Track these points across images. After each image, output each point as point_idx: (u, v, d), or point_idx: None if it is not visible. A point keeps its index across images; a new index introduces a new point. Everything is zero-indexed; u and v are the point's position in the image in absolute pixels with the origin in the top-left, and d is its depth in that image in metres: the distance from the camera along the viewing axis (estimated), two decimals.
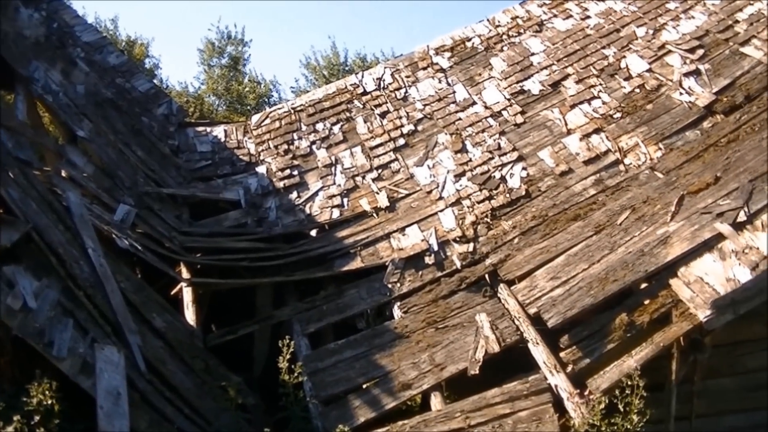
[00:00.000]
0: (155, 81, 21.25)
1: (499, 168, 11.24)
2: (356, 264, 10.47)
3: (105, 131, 11.90)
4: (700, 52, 12.15)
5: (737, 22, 12.59)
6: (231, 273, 10.50)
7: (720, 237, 8.63)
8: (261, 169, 12.64)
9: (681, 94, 11.45)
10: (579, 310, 8.55)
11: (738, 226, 8.63)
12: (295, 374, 8.22)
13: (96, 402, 6.65)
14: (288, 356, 8.20)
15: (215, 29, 28.83)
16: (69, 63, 12.84)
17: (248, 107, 26.87)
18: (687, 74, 11.78)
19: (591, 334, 8.44)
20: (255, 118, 14.22)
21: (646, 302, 8.47)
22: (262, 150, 13.14)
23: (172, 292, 10.20)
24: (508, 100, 12.59)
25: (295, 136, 13.31)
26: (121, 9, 44.58)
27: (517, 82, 12.94)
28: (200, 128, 14.20)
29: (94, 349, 7.13)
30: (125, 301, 8.31)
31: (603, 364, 8.19)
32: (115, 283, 8.31)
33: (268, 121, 13.87)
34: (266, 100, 28.27)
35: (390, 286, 10.03)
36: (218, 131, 13.90)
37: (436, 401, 8.55)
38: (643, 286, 8.69)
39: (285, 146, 13.09)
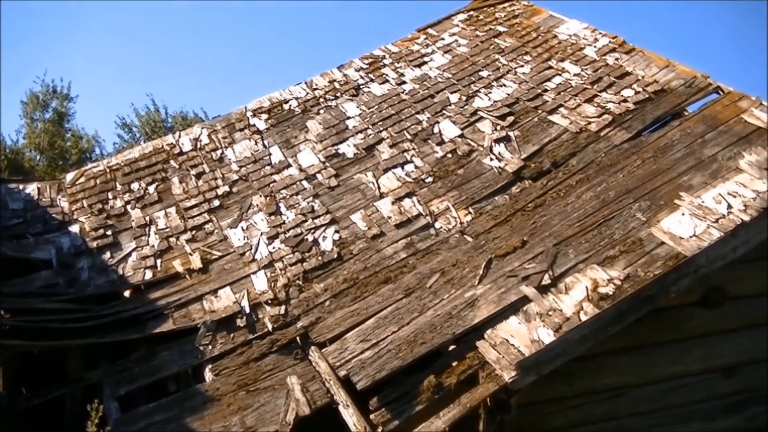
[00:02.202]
0: None
1: (312, 231, 11.17)
2: (168, 326, 10.15)
3: None
4: (511, 119, 12.50)
5: (546, 91, 13.04)
6: (41, 335, 10.02)
7: (525, 300, 8.82)
8: (74, 229, 12.20)
9: (491, 159, 11.70)
10: (388, 372, 8.50)
11: (542, 289, 8.85)
12: None
13: None
14: (97, 420, 7.91)
15: (40, 82, 27.94)
16: None
17: (70, 163, 26.08)
18: (497, 140, 12.06)
19: (400, 396, 8.35)
20: (69, 176, 13.76)
21: (454, 364, 8.48)
22: (76, 209, 12.71)
23: None
24: (323, 163, 12.59)
25: (110, 196, 12.94)
26: None
27: (333, 146, 12.97)
28: (12, 185, 13.64)
29: None
30: None
31: (412, 425, 8.11)
32: None
33: (83, 179, 13.46)
34: (89, 156, 27.51)
35: (202, 348, 9.75)
36: (31, 188, 13.38)
37: None
38: (451, 348, 8.71)
39: (99, 205, 12.69)
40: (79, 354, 10.10)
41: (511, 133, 12.14)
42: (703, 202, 9.47)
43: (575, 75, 13.34)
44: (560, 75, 13.48)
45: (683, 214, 9.37)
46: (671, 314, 9.59)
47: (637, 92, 12.35)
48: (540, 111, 12.57)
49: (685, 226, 9.18)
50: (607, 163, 10.97)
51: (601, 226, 9.69)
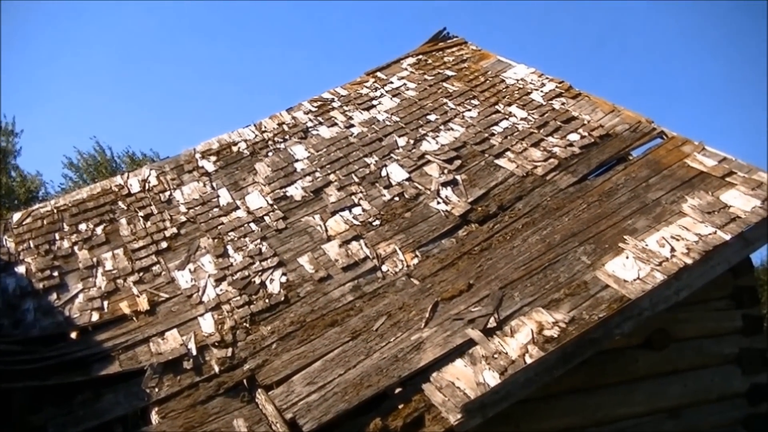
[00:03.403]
0: None
1: (260, 273, 11.14)
2: (114, 368, 10.01)
3: None
4: (458, 162, 12.60)
5: (493, 135, 13.18)
6: None
7: (471, 342, 8.84)
8: (20, 269, 12.06)
9: (438, 203, 11.77)
10: (334, 415, 8.46)
11: (488, 332, 8.89)
12: None
13: None
14: None
15: None
16: None
17: (17, 203, 25.85)
18: (444, 184, 12.14)
19: None
20: (16, 216, 13.64)
21: (400, 407, 8.45)
22: (23, 249, 12.58)
23: None
24: (271, 205, 12.59)
25: (57, 236, 12.84)
26: None
27: (281, 188, 12.99)
28: None
29: None
30: None
31: None
32: None
33: (29, 219, 13.34)
34: (36, 196, 27.28)
35: (148, 390, 9.63)
36: None
37: None
38: (398, 390, 8.68)
39: (46, 246, 12.58)
40: (24, 397, 9.95)
41: (458, 177, 12.23)
42: (647, 245, 9.60)
43: (522, 119, 13.49)
44: (507, 119, 13.63)
45: (627, 258, 9.49)
46: (616, 356, 9.71)
47: (582, 137, 12.52)
48: (487, 155, 12.69)
49: (629, 270, 9.29)
50: (553, 206, 11.09)
51: (547, 269, 9.77)
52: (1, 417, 9.75)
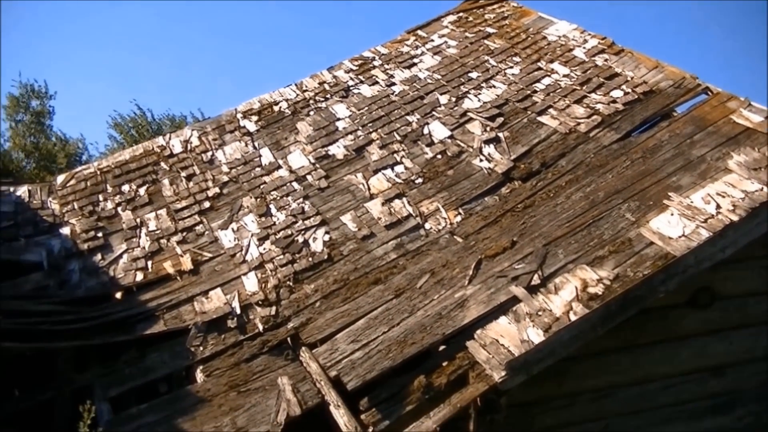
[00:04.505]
0: None
1: (303, 232, 11.18)
2: (159, 327, 10.12)
3: None
4: (500, 120, 12.53)
5: (535, 92, 13.08)
6: (32, 337, 9.98)
7: (515, 300, 8.84)
8: (65, 231, 12.19)
9: (481, 160, 11.73)
10: (378, 373, 8.51)
11: (532, 290, 8.87)
12: None
13: None
14: (89, 422, 7.89)
15: (17, 83, 27.91)
16: None
17: (58, 166, 26.06)
18: (487, 141, 12.09)
19: (390, 397, 8.36)
20: (60, 178, 13.77)
21: (444, 364, 8.48)
22: (67, 211, 12.70)
23: None
24: (313, 164, 12.61)
25: (101, 198, 12.94)
26: None
27: (323, 147, 13.00)
28: (3, 188, 13.61)
29: None
30: None
31: (402, 426, 8.12)
32: None
33: (73, 181, 13.45)
34: (78, 159, 27.47)
35: (193, 349, 9.73)
36: (22, 191, 13.37)
37: None
38: (441, 348, 8.71)
39: (90, 207, 12.69)
40: (69, 356, 10.05)
41: (500, 134, 12.17)
42: (692, 202, 9.50)
43: (564, 76, 13.37)
44: (549, 76, 13.52)
45: (672, 215, 9.40)
46: (660, 314, 9.62)
47: (626, 93, 12.40)
48: (529, 112, 12.61)
49: (674, 227, 9.21)
50: (597, 163, 11.01)
51: (591, 226, 9.72)
52: (47, 376, 9.89)
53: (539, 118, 12.40)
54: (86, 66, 52.50)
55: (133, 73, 50.88)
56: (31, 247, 11.83)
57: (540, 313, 8.53)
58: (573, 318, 8.36)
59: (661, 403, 10.17)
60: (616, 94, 12.43)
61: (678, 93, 12.14)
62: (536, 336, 8.26)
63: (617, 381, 9.81)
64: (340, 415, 8.37)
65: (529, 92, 13.15)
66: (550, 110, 12.54)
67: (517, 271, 9.20)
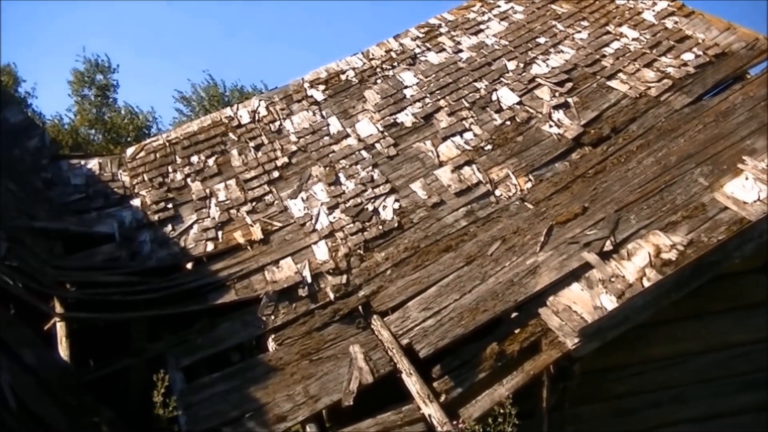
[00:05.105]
0: (29, 111, 20.78)
1: (372, 200, 11.22)
2: (230, 297, 10.26)
3: None
4: (569, 85, 12.43)
5: (604, 56, 12.95)
6: (105, 307, 10.16)
7: (587, 266, 8.80)
8: (135, 202, 12.38)
9: (550, 126, 11.66)
10: (450, 341, 8.53)
11: (604, 256, 8.82)
12: (170, 408, 8.03)
13: None
14: (163, 390, 8.02)
15: (82, 59, 28.29)
16: None
17: (126, 139, 26.41)
18: (556, 107, 12.02)
19: (462, 364, 8.39)
20: (129, 150, 13.97)
21: (516, 331, 8.48)
22: (137, 183, 12.88)
23: (46, 328, 9.79)
24: (381, 132, 12.63)
25: (170, 169, 13.10)
26: None
27: (390, 115, 13.00)
28: (74, 161, 13.84)
29: None
30: None
31: (475, 393, 8.15)
32: None
33: (142, 153, 13.63)
34: (146, 131, 27.81)
35: (264, 318, 9.83)
36: (92, 164, 13.58)
37: None
38: (513, 315, 8.72)
39: (160, 179, 12.86)
40: (142, 326, 10.21)
41: (569, 100, 12.08)
42: (767, 166, 9.33)
43: (634, 40, 13.21)
44: (618, 40, 13.36)
45: (747, 179, 9.25)
46: (733, 281, 9.46)
47: (697, 56, 12.23)
48: (598, 77, 12.49)
49: (749, 191, 9.07)
50: (668, 128, 10.88)
51: (663, 191, 9.60)
52: (120, 346, 10.06)
53: (609, 83, 12.28)
54: (151, 40, 52.98)
55: (203, 43, 51.23)
56: (102, 219, 12.04)
57: (613, 279, 8.48)
58: (646, 284, 8.29)
59: (734, 371, 10.01)
60: (687, 57, 12.26)
61: (751, 55, 11.94)
62: (609, 302, 8.22)
63: (689, 348, 9.70)
64: (412, 383, 8.41)
65: (597, 57, 13.02)
66: (620, 74, 12.41)
67: (589, 237, 9.14)
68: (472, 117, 12.39)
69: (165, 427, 8.15)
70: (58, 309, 9.95)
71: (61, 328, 9.71)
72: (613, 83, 12.22)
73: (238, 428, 8.50)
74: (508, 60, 13.63)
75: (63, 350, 9.44)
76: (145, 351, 9.92)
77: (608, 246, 8.91)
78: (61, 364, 9.15)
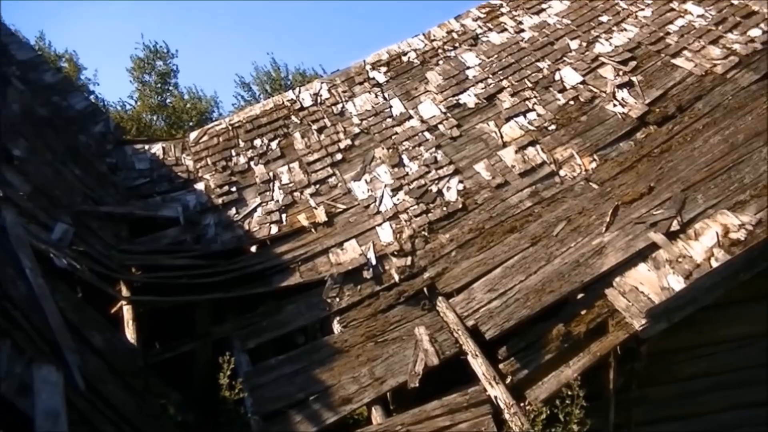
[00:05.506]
0: (91, 98, 21.06)
1: (436, 181, 11.24)
2: (295, 279, 10.36)
3: (41, 150, 11.68)
4: (633, 63, 12.30)
5: (668, 34, 12.77)
6: (170, 290, 10.31)
7: (654, 246, 8.73)
8: (199, 186, 12.54)
9: (614, 105, 11.56)
10: (516, 322, 8.55)
11: (671, 236, 8.73)
12: (236, 390, 8.15)
13: (34, 423, 6.51)
14: (228, 372, 8.16)
15: (141, 46, 28.61)
16: (3, 82, 12.59)
17: (189, 123, 26.71)
18: (620, 86, 11.90)
19: (528, 345, 8.42)
20: (193, 134, 14.13)
21: (583, 312, 8.48)
22: (201, 167, 13.04)
23: (112, 311, 9.99)
24: (444, 113, 12.63)
25: (233, 153, 13.23)
26: (45, 27, 44.18)
27: (453, 96, 12.99)
28: (138, 146, 14.05)
29: (32, 369, 6.97)
30: (64, 320, 8.11)
31: (541, 375, 8.18)
32: (53, 303, 8.10)
33: (206, 137, 13.78)
34: (208, 116, 28.08)
35: (329, 300, 9.93)
36: (156, 148, 13.78)
37: (376, 415, 8.44)
38: (579, 296, 8.70)
39: (223, 163, 13.00)
40: (207, 309, 10.37)
41: (633, 78, 11.96)
42: None
43: (698, 16, 13.00)
44: (683, 17, 13.15)
45: None
46: None
47: (764, 32, 11.99)
48: (663, 55, 12.33)
49: None
50: (735, 105, 10.72)
51: (731, 170, 9.46)
52: (185, 329, 10.22)
53: (673, 61, 12.12)
54: (211, 21, 53.30)
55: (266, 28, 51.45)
56: (167, 203, 12.24)
57: (680, 259, 8.40)
58: (714, 264, 8.19)
59: None
60: (754, 33, 12.04)
61: None
62: (677, 283, 8.15)
63: (759, 330, 9.55)
64: (478, 364, 8.45)
65: (661, 34, 12.84)
66: (685, 52, 12.23)
67: (656, 217, 9.06)
68: (535, 97, 12.34)
69: (231, 409, 8.28)
70: (125, 292, 10.17)
71: (127, 312, 9.93)
72: (678, 61, 12.06)
73: (304, 410, 8.61)
74: (571, 39, 13.52)
75: (130, 333, 9.65)
76: (210, 334, 10.10)
77: (675, 226, 8.81)
78: (128, 347, 9.32)
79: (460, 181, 11.15)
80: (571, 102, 12.00)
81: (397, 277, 9.94)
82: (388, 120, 12.96)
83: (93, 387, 7.74)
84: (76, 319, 8.54)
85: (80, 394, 7.43)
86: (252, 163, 12.88)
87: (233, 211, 11.91)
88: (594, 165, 10.67)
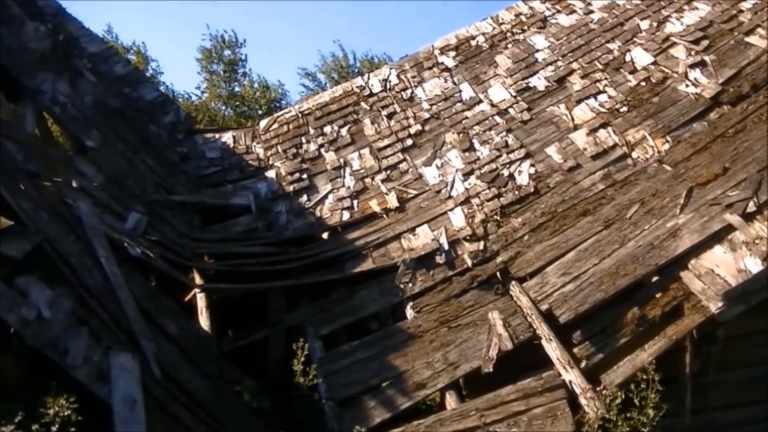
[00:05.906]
0: (161, 89, 21.31)
1: (507, 165, 11.23)
2: (367, 265, 10.46)
3: (113, 141, 11.91)
4: (705, 43, 12.14)
5: (741, 11, 12.57)
6: (243, 278, 10.47)
7: (730, 228, 8.66)
8: (270, 174, 12.67)
9: (687, 85, 11.43)
10: (590, 306, 8.57)
11: (748, 217, 8.65)
12: (310, 377, 8.26)
13: (112, 410, 6.67)
14: (302, 359, 8.27)
15: (208, 36, 28.85)
16: (76, 74, 12.81)
17: (258, 112, 26.91)
18: (692, 66, 11.76)
19: (603, 329, 8.44)
20: (263, 122, 14.25)
21: (658, 296, 8.46)
22: (271, 154, 13.17)
23: (186, 299, 10.13)
24: (514, 97, 12.59)
25: (304, 140, 13.34)
26: (112, 19, 44.70)
27: (523, 79, 12.94)
28: (209, 135, 14.22)
29: (109, 356, 7.14)
30: (138, 308, 8.28)
31: (616, 359, 8.19)
32: (128, 291, 8.29)
33: (276, 125, 13.89)
34: (277, 104, 28.25)
35: (402, 286, 10.01)
36: (227, 137, 13.93)
37: (450, 400, 8.50)
38: (654, 279, 8.67)
39: (293, 150, 13.12)
40: (279, 296, 10.48)
41: (706, 58, 11.80)
42: None
43: None
44: None
45: None
46: None
47: None
48: (736, 33, 12.15)
49: None
50: None
51: None
52: (258, 316, 10.35)
53: (747, 39, 11.93)
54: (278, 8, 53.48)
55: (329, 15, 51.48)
56: (238, 191, 12.37)
57: (757, 241, 8.31)
58: None
59: None
60: None
61: None
62: (754, 265, 8.08)
63: None
64: (552, 348, 8.47)
65: (734, 12, 12.63)
66: (758, 30, 12.02)
67: (731, 198, 8.97)
68: (606, 79, 12.24)
69: (305, 395, 8.38)
70: (198, 280, 10.31)
71: (201, 299, 10.05)
72: (751, 39, 11.87)
73: (378, 396, 8.71)
74: (641, 19, 13.36)
75: (203, 321, 9.77)
76: (283, 320, 10.20)
77: (751, 207, 8.72)
78: (202, 334, 9.46)
79: (532, 165, 11.13)
80: (643, 83, 11.88)
81: (469, 262, 9.98)
82: (458, 104, 12.95)
83: (168, 374, 7.92)
84: (151, 308, 8.73)
85: (156, 382, 7.60)
86: (322, 150, 12.97)
87: (304, 198, 12.01)
88: (667, 146, 10.57)
